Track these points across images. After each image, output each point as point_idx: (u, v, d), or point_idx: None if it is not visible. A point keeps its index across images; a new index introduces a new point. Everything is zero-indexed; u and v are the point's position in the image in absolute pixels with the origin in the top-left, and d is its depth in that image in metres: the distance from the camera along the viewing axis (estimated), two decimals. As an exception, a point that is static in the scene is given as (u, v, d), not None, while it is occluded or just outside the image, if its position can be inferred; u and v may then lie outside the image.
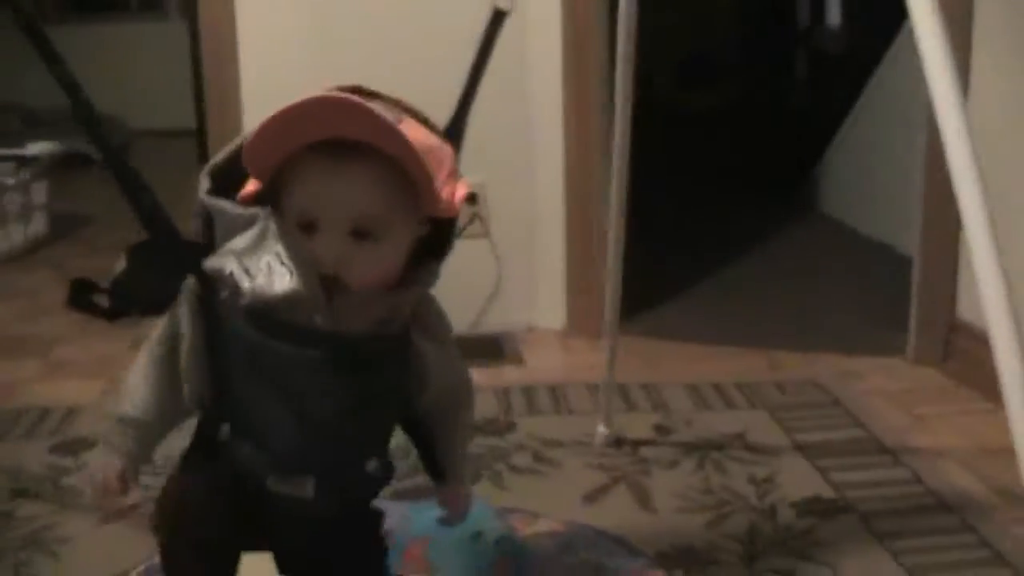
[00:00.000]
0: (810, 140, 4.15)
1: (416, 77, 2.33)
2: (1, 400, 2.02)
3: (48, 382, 2.53)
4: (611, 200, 1.95)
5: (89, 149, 4.20)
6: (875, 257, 3.35)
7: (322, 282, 1.11)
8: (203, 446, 1.20)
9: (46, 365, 2.64)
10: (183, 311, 1.16)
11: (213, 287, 1.14)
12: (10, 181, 3.61)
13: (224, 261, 1.14)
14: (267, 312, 1.12)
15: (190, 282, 1.15)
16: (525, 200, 2.72)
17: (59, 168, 4.03)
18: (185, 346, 1.16)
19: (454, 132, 1.25)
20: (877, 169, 3.56)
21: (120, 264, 3.10)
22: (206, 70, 2.80)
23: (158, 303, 2.93)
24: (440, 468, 1.32)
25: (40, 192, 3.82)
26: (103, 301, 3.02)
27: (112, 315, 2.96)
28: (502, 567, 1.63)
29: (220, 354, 1.16)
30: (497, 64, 1.31)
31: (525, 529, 1.75)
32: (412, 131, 1.10)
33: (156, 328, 1.20)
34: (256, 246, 1.13)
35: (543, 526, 1.77)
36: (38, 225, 3.80)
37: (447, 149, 1.16)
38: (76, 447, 2.11)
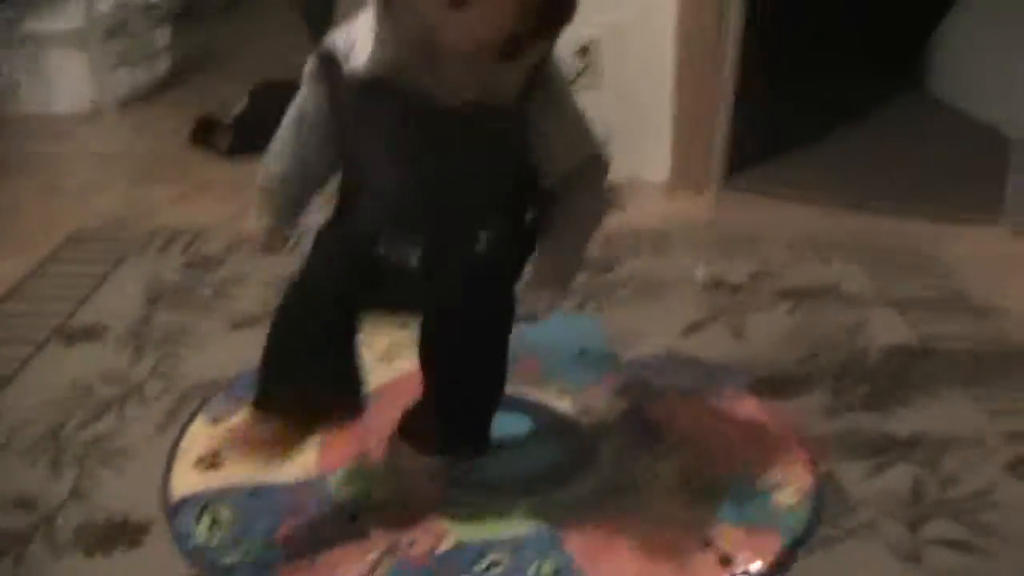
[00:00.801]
0: (929, 10, 4.11)
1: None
2: (137, 221, 2.15)
3: (178, 207, 2.66)
4: (725, 53, 2.01)
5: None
6: (977, 135, 3.37)
7: (422, 49, 1.14)
8: (342, 204, 1.33)
9: (175, 193, 2.77)
10: (306, 87, 1.27)
11: (330, 62, 1.22)
12: (134, 24, 3.72)
13: (335, 38, 1.22)
14: (374, 80, 1.18)
15: (310, 60, 1.25)
16: (637, 54, 2.77)
17: (183, 10, 4.14)
18: (310, 118, 1.27)
19: None
20: (986, 50, 3.55)
21: (241, 104, 3.23)
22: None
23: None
24: (538, 256, 1.32)
25: (163, 35, 3.93)
26: (224, 140, 3.15)
27: (234, 152, 3.09)
28: (608, 379, 1.76)
29: (342, 122, 1.24)
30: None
31: (627, 351, 1.87)
32: None
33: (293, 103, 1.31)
34: (363, 21, 1.20)
35: (644, 350, 1.88)
36: (162, 66, 3.93)
37: None
38: (207, 263, 2.26)
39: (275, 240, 1.34)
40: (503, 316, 1.35)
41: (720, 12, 2.22)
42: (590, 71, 2.69)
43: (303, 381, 1.31)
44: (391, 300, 1.37)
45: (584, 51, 2.70)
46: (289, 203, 1.34)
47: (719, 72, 2.04)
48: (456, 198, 1.24)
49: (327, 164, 1.31)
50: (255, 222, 1.34)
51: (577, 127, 1.27)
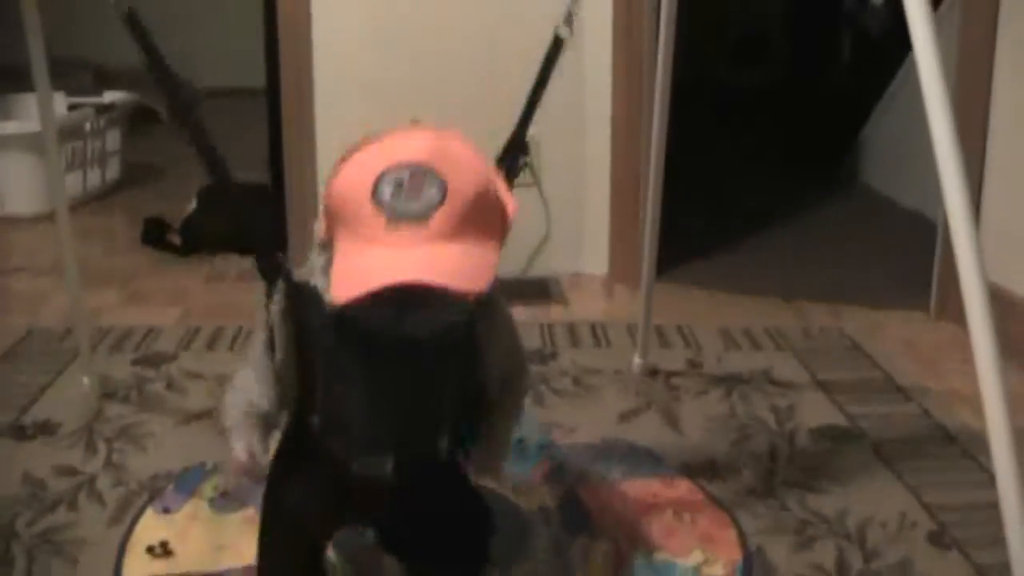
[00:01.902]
0: (853, 116, 4.28)
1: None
2: (88, 321, 2.20)
3: (129, 308, 2.72)
4: (651, 158, 2.11)
5: (157, 104, 4.39)
6: (908, 224, 3.50)
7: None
8: (295, 441, 1.33)
9: (126, 294, 2.84)
10: (276, 319, 1.27)
11: (300, 293, 1.26)
12: (87, 127, 3.81)
13: (310, 274, 1.26)
14: (351, 318, 1.20)
15: (279, 295, 1.27)
16: (574, 155, 2.89)
17: (130, 120, 4.22)
18: (279, 349, 1.28)
19: (517, 144, 1.42)
20: (913, 142, 3.69)
21: (191, 206, 3.30)
22: (281, 29, 2.96)
23: (227, 242, 3.15)
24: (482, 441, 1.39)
25: (115, 139, 4.02)
26: (175, 239, 3.22)
27: (184, 252, 3.16)
28: (544, 468, 1.82)
29: (307, 353, 1.27)
30: (553, 25, 1.48)
31: (564, 440, 1.94)
32: (466, 166, 1.17)
33: (256, 334, 1.33)
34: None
35: (580, 438, 1.95)
36: (112, 170, 4.01)
37: (493, 173, 1.24)
38: (157, 360, 2.32)
39: (255, 467, 1.31)
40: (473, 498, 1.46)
41: (650, 118, 2.33)
42: (531, 169, 2.79)
43: None
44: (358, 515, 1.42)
45: (525, 149, 2.79)
46: (268, 429, 1.34)
47: (649, 174, 2.13)
48: (422, 414, 1.30)
49: (287, 397, 1.33)
50: (244, 451, 1.29)
51: (514, 339, 1.43)
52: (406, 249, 1.13)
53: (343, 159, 1.20)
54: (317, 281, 1.25)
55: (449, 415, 1.34)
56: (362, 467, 1.29)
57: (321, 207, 1.23)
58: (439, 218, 1.13)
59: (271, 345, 1.28)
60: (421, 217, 1.13)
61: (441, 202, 1.14)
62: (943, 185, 1.25)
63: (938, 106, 1.25)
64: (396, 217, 1.13)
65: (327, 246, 1.23)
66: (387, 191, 1.13)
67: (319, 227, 1.25)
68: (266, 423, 1.33)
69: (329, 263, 1.21)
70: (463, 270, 1.14)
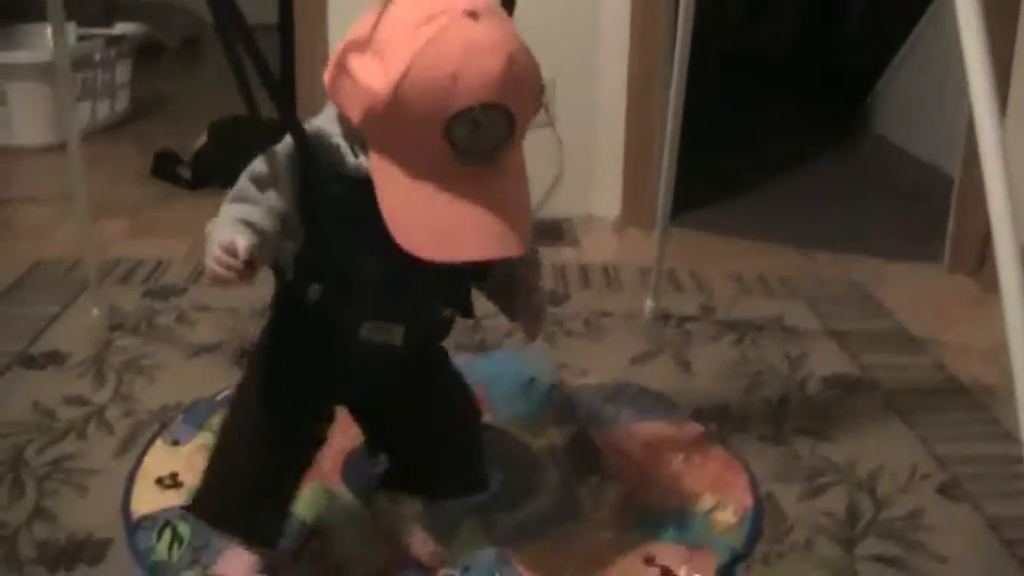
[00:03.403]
0: (869, 67, 4.24)
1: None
2: (96, 251, 2.19)
3: (138, 240, 2.71)
4: (670, 100, 2.09)
5: (167, 36, 4.37)
6: (921, 176, 3.47)
7: None
8: (290, 306, 1.27)
9: (135, 225, 2.82)
10: (281, 162, 1.19)
11: (311, 152, 1.19)
12: (97, 58, 3.77)
13: (328, 130, 1.20)
14: (366, 180, 1.18)
15: (287, 145, 1.19)
16: (590, 96, 2.86)
17: (139, 52, 4.19)
18: (283, 198, 1.19)
19: None
20: (929, 94, 3.66)
21: (201, 139, 3.28)
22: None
23: (236, 175, 3.13)
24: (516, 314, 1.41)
25: (124, 71, 3.99)
26: (185, 172, 3.20)
27: (194, 185, 3.15)
28: (553, 409, 1.82)
29: (312, 215, 1.20)
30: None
31: (574, 381, 1.93)
32: (530, 90, 1.15)
33: (242, 174, 1.21)
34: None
35: (591, 380, 1.94)
36: (122, 102, 3.99)
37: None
38: (166, 293, 2.31)
39: (250, 268, 1.14)
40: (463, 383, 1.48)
41: (666, 63, 2.30)
42: (544, 111, 2.77)
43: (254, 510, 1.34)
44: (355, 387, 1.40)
45: (541, 90, 2.77)
46: (267, 243, 1.18)
47: (665, 117, 2.11)
48: (431, 281, 1.27)
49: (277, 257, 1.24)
50: (228, 236, 1.12)
51: None
52: (474, 196, 1.15)
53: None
54: (340, 142, 1.20)
55: (460, 286, 1.35)
56: (373, 333, 1.28)
57: (333, 63, 1.18)
58: (504, 155, 1.16)
59: (262, 181, 1.19)
60: (489, 155, 1.15)
61: (507, 136, 1.15)
62: (980, 147, 1.22)
63: (977, 68, 1.21)
64: (464, 156, 1.14)
65: (347, 124, 1.18)
66: (461, 132, 1.12)
67: (327, 79, 1.19)
68: (255, 235, 1.15)
69: (354, 141, 1.19)
70: (519, 222, 1.18)
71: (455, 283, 1.33)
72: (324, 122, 1.22)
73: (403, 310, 1.29)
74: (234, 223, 1.15)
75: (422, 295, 1.30)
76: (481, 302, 1.39)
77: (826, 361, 2.09)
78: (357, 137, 1.19)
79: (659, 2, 2.76)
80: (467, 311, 1.38)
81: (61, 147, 3.35)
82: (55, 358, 1.98)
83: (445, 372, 1.46)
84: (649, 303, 2.25)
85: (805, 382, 1.99)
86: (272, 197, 1.19)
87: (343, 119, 1.20)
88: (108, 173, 3.27)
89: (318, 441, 1.38)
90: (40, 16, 3.57)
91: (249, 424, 1.32)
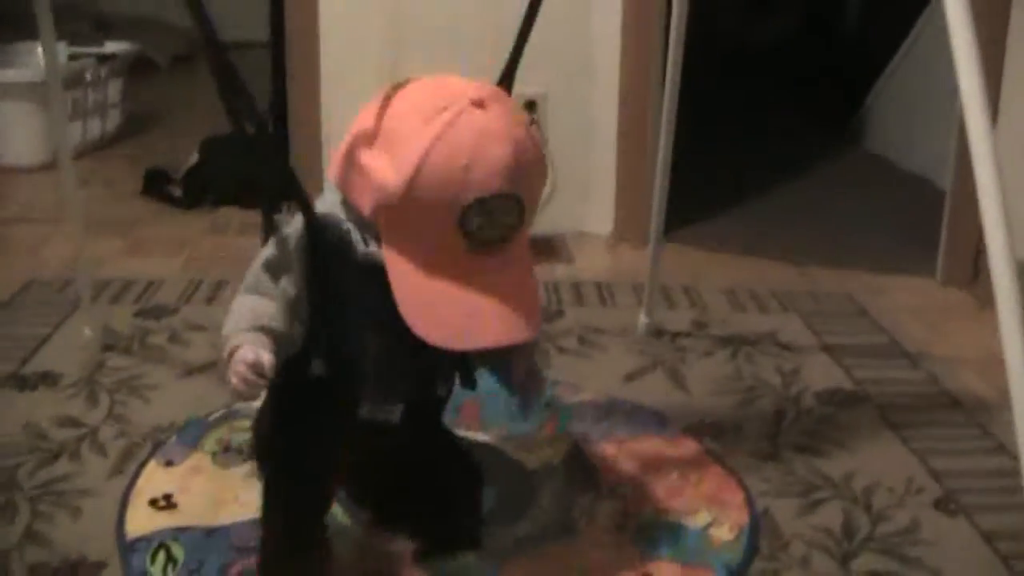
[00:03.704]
0: (862, 77, 4.25)
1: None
2: (88, 271, 2.19)
3: (129, 259, 2.70)
4: (663, 116, 2.09)
5: (158, 54, 4.37)
6: (914, 189, 3.48)
7: None
8: (295, 386, 1.26)
9: (126, 246, 2.81)
10: (293, 246, 1.21)
11: (322, 236, 1.21)
12: (88, 76, 3.77)
13: (337, 215, 1.22)
14: (376, 267, 1.20)
15: (298, 228, 1.21)
16: (582, 112, 2.86)
17: (129, 71, 4.18)
18: (294, 283, 1.21)
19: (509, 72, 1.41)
20: (921, 107, 3.67)
21: (192, 157, 3.28)
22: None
23: (228, 193, 3.13)
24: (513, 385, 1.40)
25: (115, 89, 3.98)
26: (176, 190, 3.20)
27: (185, 204, 3.14)
28: (548, 426, 1.81)
29: (319, 293, 1.22)
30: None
31: (569, 398, 1.93)
32: (537, 179, 1.20)
33: (254, 263, 1.24)
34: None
35: (585, 396, 1.94)
36: (113, 121, 3.98)
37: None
38: (159, 312, 2.30)
39: (266, 369, 1.16)
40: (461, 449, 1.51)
41: (659, 77, 2.31)
42: (536, 126, 2.77)
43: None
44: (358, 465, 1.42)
45: (531, 106, 2.78)
46: (283, 345, 1.21)
47: (658, 132, 2.11)
48: (430, 359, 1.28)
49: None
50: (252, 352, 1.15)
51: None
52: (487, 283, 1.18)
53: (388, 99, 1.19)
54: (350, 227, 1.22)
55: (455, 364, 1.36)
56: (373, 413, 1.29)
57: (341, 156, 1.21)
58: (515, 240, 1.19)
59: (275, 268, 1.22)
60: (501, 242, 1.18)
61: (518, 224, 1.18)
62: (973, 159, 1.22)
63: (971, 85, 1.21)
64: (477, 245, 1.17)
65: (355, 212, 1.21)
66: (474, 222, 1.15)
67: (333, 172, 1.23)
68: (275, 342, 1.19)
69: (363, 228, 1.21)
70: (530, 307, 1.22)
71: (458, 362, 1.36)
72: (329, 206, 1.24)
73: (404, 391, 1.31)
74: (255, 334, 1.18)
75: (425, 376, 1.32)
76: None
77: (820, 376, 2.09)
78: (366, 225, 1.21)
79: (651, 18, 2.76)
80: (471, 383, 1.39)
81: (51, 166, 3.36)
82: (47, 379, 1.97)
83: (441, 438, 1.48)
84: (642, 319, 2.25)
85: (799, 397, 1.99)
86: (284, 284, 1.21)
87: (349, 206, 1.22)
88: (99, 192, 3.27)
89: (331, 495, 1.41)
90: (29, 35, 3.57)
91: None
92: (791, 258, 2.81)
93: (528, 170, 1.17)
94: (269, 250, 1.23)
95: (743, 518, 1.57)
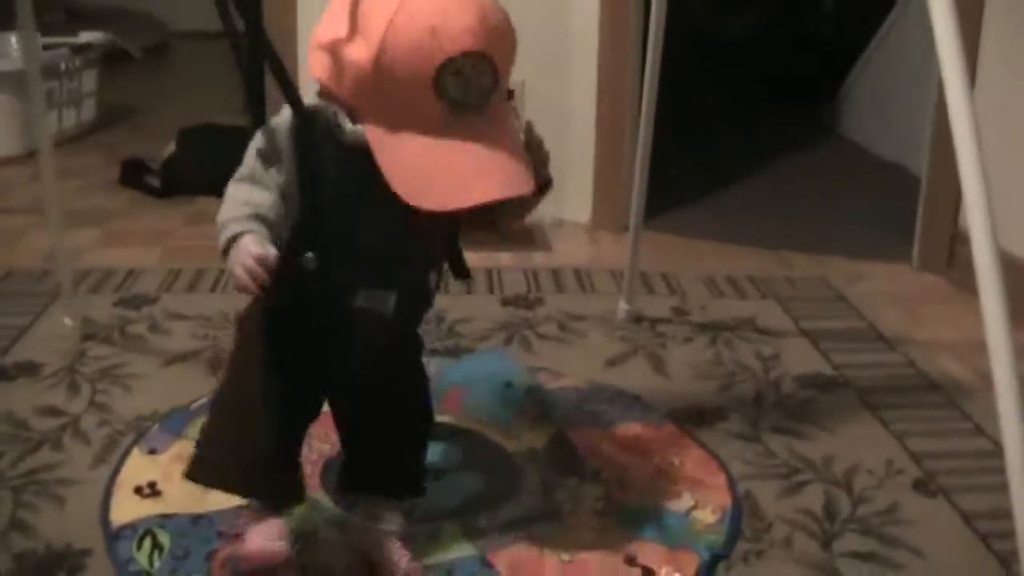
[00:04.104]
0: (835, 66, 4.27)
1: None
2: (66, 261, 2.18)
3: (108, 249, 2.70)
4: (642, 105, 2.10)
5: (131, 45, 4.35)
6: (889, 176, 3.51)
7: None
8: (280, 276, 1.24)
9: (104, 235, 2.81)
10: (283, 135, 1.24)
11: (309, 122, 1.24)
12: (63, 67, 3.75)
13: (321, 102, 1.26)
14: (362, 147, 1.22)
15: (285, 118, 1.25)
16: (560, 100, 2.87)
17: (103, 61, 4.17)
18: (285, 170, 1.24)
19: None
20: (896, 94, 3.70)
21: (170, 147, 3.27)
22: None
23: (206, 183, 3.12)
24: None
25: (90, 80, 3.97)
26: (153, 180, 3.19)
27: (163, 193, 3.13)
28: (531, 411, 1.82)
29: (310, 185, 1.25)
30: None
31: (550, 384, 1.93)
32: (508, 41, 1.23)
33: (245, 155, 1.26)
34: None
35: (567, 382, 1.95)
36: (88, 111, 3.96)
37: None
38: (139, 302, 2.30)
39: (268, 267, 1.20)
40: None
41: (637, 66, 2.32)
42: (515, 114, 2.77)
43: (255, 463, 1.35)
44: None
45: (510, 95, 2.77)
46: (276, 233, 1.25)
47: (636, 121, 2.12)
48: (422, 248, 1.33)
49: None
50: (258, 245, 1.20)
51: None
52: (471, 144, 1.20)
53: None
54: (335, 109, 1.24)
55: (442, 248, 1.39)
56: (367, 301, 1.31)
57: (315, 47, 1.23)
58: (492, 102, 1.21)
59: (267, 157, 1.24)
60: (478, 105, 1.20)
61: (493, 86, 1.21)
62: (957, 149, 1.23)
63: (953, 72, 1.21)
64: (457, 108, 1.19)
65: (331, 98, 1.24)
66: (449, 83, 1.18)
67: (311, 65, 1.24)
68: (272, 233, 1.23)
69: (348, 117, 1.23)
70: (519, 165, 1.23)
71: (447, 250, 1.39)
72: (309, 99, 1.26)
73: (397, 277, 1.32)
74: (256, 224, 1.21)
75: (417, 261, 1.34)
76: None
77: (799, 360, 2.10)
78: (349, 114, 1.24)
79: (629, 8, 2.77)
80: (462, 271, 1.43)
81: (25, 157, 3.34)
82: (27, 369, 1.97)
83: (416, 366, 1.47)
84: (622, 305, 2.26)
85: (779, 382, 2.01)
86: (275, 173, 1.24)
87: (328, 97, 1.25)
88: (76, 183, 3.25)
89: (313, 411, 1.41)
90: (1, 26, 3.55)
91: (249, 388, 1.33)
92: (768, 245, 2.82)
93: (496, 32, 1.20)
94: (259, 139, 1.25)
95: (725, 501, 1.59)
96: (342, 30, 1.20)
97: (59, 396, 1.87)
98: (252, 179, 1.25)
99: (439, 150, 1.20)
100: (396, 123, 1.20)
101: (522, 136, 1.29)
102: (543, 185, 1.35)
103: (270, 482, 1.37)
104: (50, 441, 1.72)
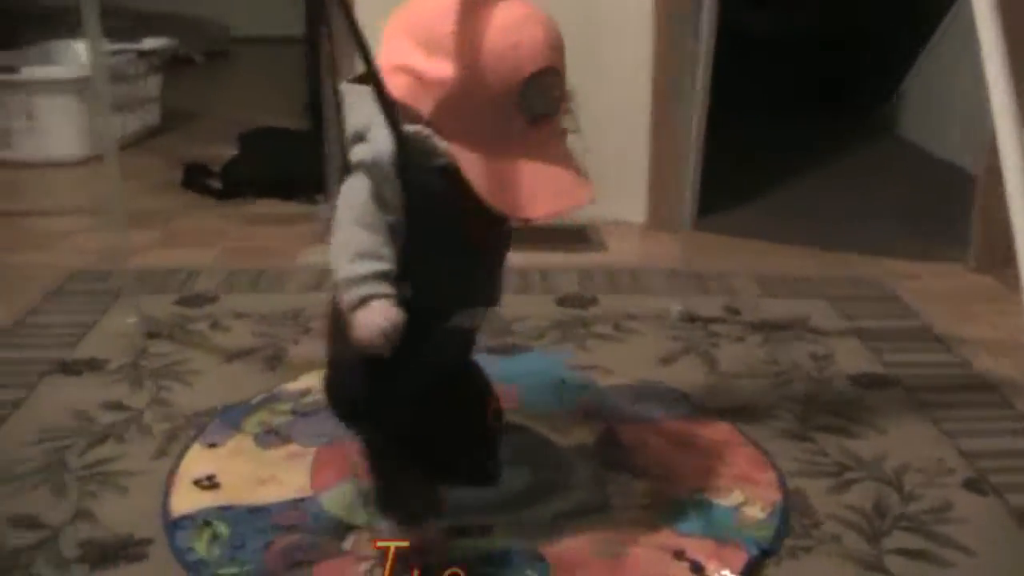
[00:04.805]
0: (893, 65, 4.24)
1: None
2: (128, 261, 2.23)
3: (169, 250, 2.75)
4: (693, 106, 2.12)
5: (192, 50, 4.41)
6: (944, 175, 3.48)
7: None
8: None
9: (165, 235, 2.86)
10: (387, 168, 1.22)
11: (407, 149, 1.22)
12: (131, 72, 3.83)
13: (414, 127, 1.24)
14: (452, 167, 1.23)
15: (387, 146, 1.22)
16: (615, 100, 2.88)
17: (167, 66, 4.24)
18: (392, 205, 1.23)
19: None
20: (954, 93, 3.68)
21: (231, 150, 3.33)
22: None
23: (265, 186, 3.17)
24: None
25: (154, 85, 4.04)
26: (215, 183, 3.25)
27: (224, 195, 3.19)
28: (582, 408, 1.84)
29: (411, 213, 1.24)
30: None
31: (602, 381, 1.95)
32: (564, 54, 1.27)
33: (352, 194, 1.24)
34: None
35: (618, 380, 1.97)
36: (152, 115, 4.03)
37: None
38: (199, 300, 2.35)
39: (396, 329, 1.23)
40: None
41: (691, 65, 2.33)
42: (571, 116, 2.79)
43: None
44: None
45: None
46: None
47: (690, 119, 2.14)
48: (500, 262, 1.40)
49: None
50: (390, 307, 1.22)
51: None
52: (549, 151, 1.27)
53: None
54: (428, 132, 1.24)
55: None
56: (463, 320, 1.36)
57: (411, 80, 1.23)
58: (562, 112, 1.29)
59: (378, 198, 1.23)
60: (552, 114, 1.27)
61: (563, 97, 1.28)
62: (999, 142, 1.23)
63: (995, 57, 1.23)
64: (535, 120, 1.24)
65: (411, 117, 1.23)
66: (533, 97, 1.23)
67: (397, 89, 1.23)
68: (391, 285, 1.24)
69: (428, 135, 1.23)
70: (583, 171, 1.30)
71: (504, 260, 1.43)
72: (367, 117, 1.24)
73: (484, 293, 1.38)
74: (381, 283, 1.22)
75: (494, 275, 1.39)
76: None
77: (851, 360, 2.11)
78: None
79: (681, 6, 2.78)
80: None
81: (89, 161, 3.42)
82: (93, 365, 2.02)
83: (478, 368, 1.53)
84: (676, 306, 2.28)
85: (830, 380, 2.01)
86: (387, 214, 1.24)
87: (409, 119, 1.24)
88: (139, 185, 3.31)
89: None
90: (64, 33, 3.63)
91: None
92: (822, 245, 2.82)
93: (559, 42, 1.26)
94: (363, 179, 1.24)
95: (775, 497, 1.60)
96: (415, 51, 1.23)
97: (123, 391, 1.92)
98: (366, 223, 1.23)
99: (521, 161, 1.24)
100: (478, 138, 1.23)
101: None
102: None
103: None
104: (114, 434, 1.76)
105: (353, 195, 1.24)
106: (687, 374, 2.03)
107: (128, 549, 1.45)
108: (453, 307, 1.34)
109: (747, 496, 1.59)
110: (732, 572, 1.42)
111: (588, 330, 2.21)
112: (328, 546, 1.46)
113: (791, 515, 1.56)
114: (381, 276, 1.23)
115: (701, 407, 1.88)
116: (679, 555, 1.45)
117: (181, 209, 3.11)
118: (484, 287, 1.38)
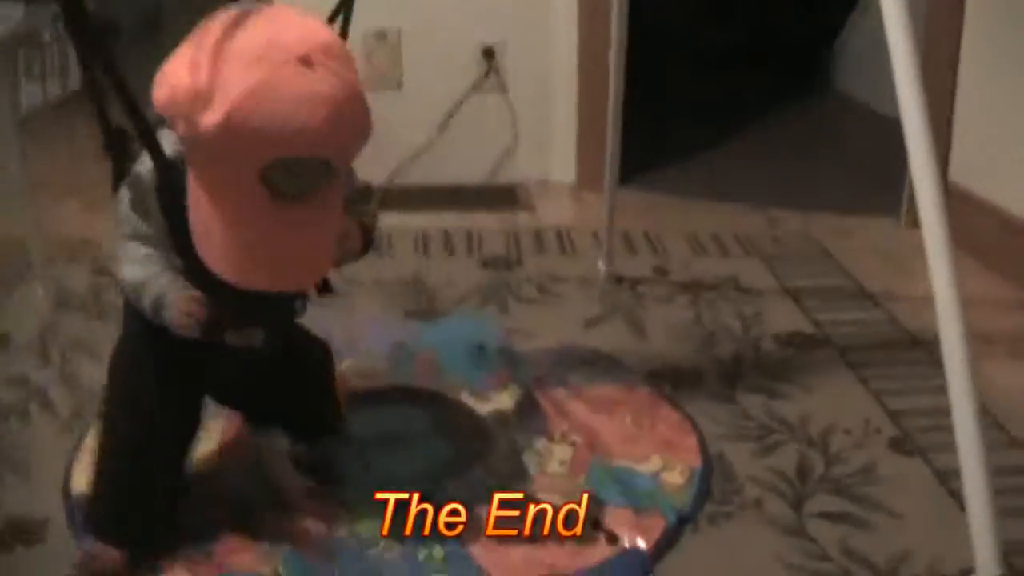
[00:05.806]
0: (828, 19, 4.21)
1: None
2: (47, 231, 2.16)
3: (89, 216, 2.67)
4: (611, 59, 2.07)
5: (118, 15, 4.26)
6: (884, 130, 3.44)
7: None
8: (141, 322, 1.28)
9: (86, 204, 2.78)
10: (148, 186, 1.24)
11: (173, 173, 1.21)
12: (47, 36, 3.72)
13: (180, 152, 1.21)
14: None
15: (143, 170, 1.24)
16: (543, 60, 2.83)
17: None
18: (155, 219, 1.24)
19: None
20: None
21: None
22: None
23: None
24: None
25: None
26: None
27: (146, 162, 3.10)
28: (501, 374, 1.80)
29: (176, 236, 1.23)
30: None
31: (524, 345, 1.91)
32: (356, 137, 1.20)
33: (120, 206, 1.27)
34: None
35: (540, 344, 1.93)
36: (74, 80, 3.93)
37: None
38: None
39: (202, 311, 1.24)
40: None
41: (618, 24, 2.29)
42: (494, 74, 2.74)
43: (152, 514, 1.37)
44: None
45: (488, 53, 2.75)
46: None
47: (614, 77, 2.09)
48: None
49: None
50: (186, 292, 1.23)
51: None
52: (275, 233, 1.19)
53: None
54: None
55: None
56: (235, 339, 1.30)
57: (168, 87, 1.20)
58: (318, 197, 1.20)
59: (139, 209, 1.24)
60: (301, 198, 1.19)
61: (322, 181, 1.19)
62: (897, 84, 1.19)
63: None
64: (276, 197, 1.17)
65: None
66: (276, 178, 1.16)
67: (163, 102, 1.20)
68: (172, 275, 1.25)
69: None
70: (316, 258, 1.25)
71: None
72: (174, 140, 1.22)
73: (261, 314, 1.32)
74: (163, 276, 1.24)
75: (283, 297, 1.34)
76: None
77: (781, 319, 2.08)
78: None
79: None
80: (326, 287, 1.42)
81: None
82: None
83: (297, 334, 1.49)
84: (602, 266, 2.24)
85: (759, 341, 1.98)
86: (149, 225, 1.24)
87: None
88: (60, 152, 3.22)
89: (192, 433, 1.44)
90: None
91: (134, 434, 1.35)
92: (755, 202, 2.79)
93: (343, 133, 1.17)
94: (129, 192, 1.25)
95: (695, 462, 1.56)
96: (204, 77, 1.14)
97: (28, 366, 1.86)
98: (137, 235, 1.25)
99: (243, 228, 1.19)
100: (215, 189, 1.17)
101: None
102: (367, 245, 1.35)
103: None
104: (16, 412, 1.70)
105: (119, 210, 1.27)
106: (613, 337, 1.99)
107: (26, 530, 1.40)
108: (226, 324, 1.28)
109: (666, 462, 1.56)
110: (647, 540, 1.38)
111: (512, 293, 2.17)
112: (232, 521, 1.41)
113: (711, 480, 1.53)
114: (162, 272, 1.24)
115: (625, 371, 1.84)
116: (595, 525, 1.41)
117: (103, 177, 3.02)
118: (259, 307, 1.30)
